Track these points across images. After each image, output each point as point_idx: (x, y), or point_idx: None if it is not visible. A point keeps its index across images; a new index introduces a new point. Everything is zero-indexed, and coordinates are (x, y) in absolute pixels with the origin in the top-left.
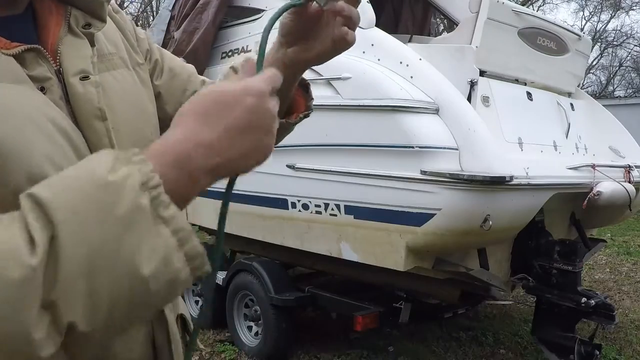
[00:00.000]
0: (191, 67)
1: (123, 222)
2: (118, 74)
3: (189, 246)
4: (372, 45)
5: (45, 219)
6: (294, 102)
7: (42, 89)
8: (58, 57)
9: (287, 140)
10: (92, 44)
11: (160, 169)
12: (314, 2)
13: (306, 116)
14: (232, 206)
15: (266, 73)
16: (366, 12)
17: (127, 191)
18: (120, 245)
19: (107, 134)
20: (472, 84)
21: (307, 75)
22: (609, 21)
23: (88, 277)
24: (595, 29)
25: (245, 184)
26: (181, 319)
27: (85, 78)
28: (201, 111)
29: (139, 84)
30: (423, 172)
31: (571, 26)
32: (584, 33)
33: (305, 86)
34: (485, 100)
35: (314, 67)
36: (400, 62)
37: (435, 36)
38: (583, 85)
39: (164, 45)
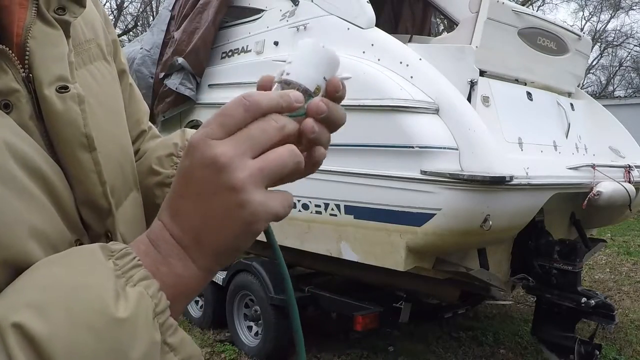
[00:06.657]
0: (146, 107)
1: None
2: (95, 68)
3: None
4: (372, 45)
5: None
6: None
7: (6, 107)
8: (27, 58)
9: None
10: (68, 36)
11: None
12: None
13: None
14: None
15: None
16: (366, 12)
17: (141, 327)
18: None
19: (96, 168)
20: (472, 84)
21: None
22: (608, 21)
23: None
24: (595, 29)
25: None
26: None
27: (64, 89)
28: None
29: (116, 82)
30: (423, 172)
31: (571, 26)
32: (583, 33)
33: None
34: (485, 100)
35: None
36: (400, 62)
37: (435, 36)
38: (583, 85)
39: (164, 45)
